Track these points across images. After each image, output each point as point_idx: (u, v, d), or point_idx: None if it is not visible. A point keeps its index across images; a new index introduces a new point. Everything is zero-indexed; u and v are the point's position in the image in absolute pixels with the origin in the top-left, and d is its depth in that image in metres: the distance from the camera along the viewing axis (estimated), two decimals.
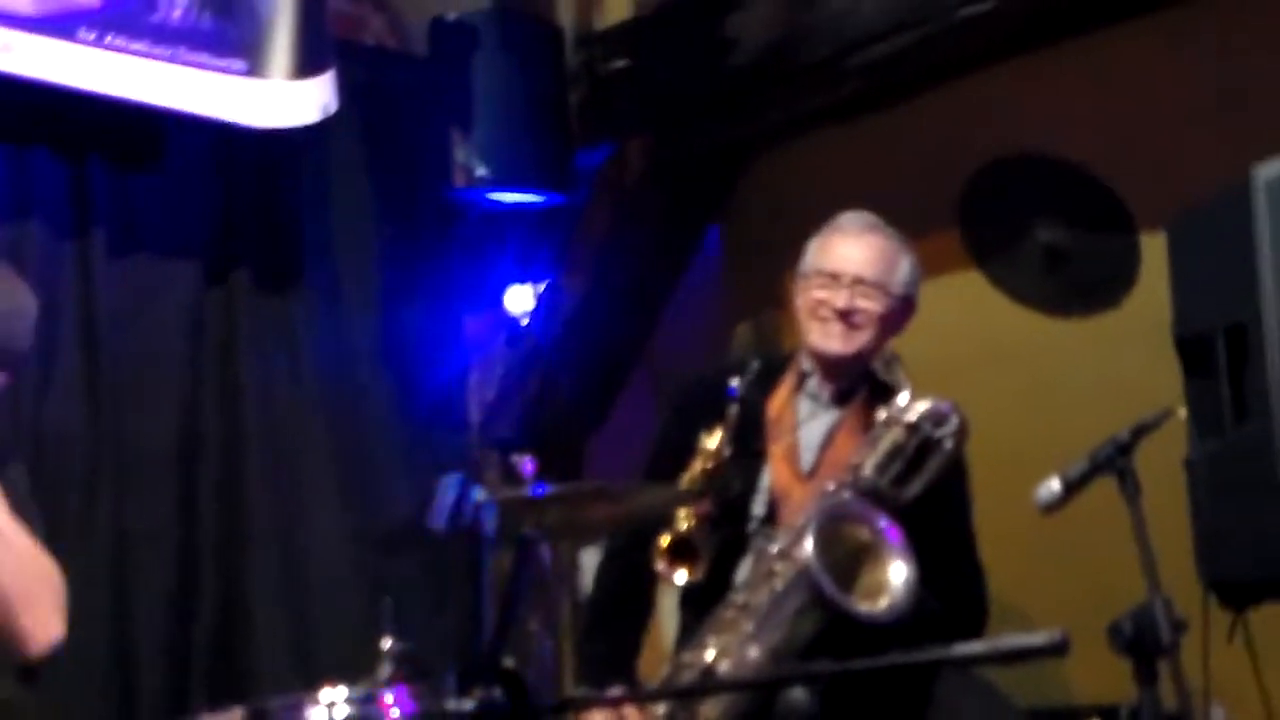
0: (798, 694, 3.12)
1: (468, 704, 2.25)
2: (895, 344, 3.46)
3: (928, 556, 3.18)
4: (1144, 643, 2.90)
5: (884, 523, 3.16)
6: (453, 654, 4.07)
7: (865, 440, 3.26)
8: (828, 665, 3.14)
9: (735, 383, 3.27)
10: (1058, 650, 2.08)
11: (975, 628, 3.31)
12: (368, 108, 4.61)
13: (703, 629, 3.22)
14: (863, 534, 3.16)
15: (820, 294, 3.36)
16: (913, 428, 3.22)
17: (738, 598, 3.21)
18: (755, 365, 3.32)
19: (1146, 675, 2.91)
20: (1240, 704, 3.49)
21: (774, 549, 3.20)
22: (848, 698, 3.14)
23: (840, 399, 3.39)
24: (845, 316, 3.34)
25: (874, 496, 3.20)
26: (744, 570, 3.30)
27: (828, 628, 3.12)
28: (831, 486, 3.22)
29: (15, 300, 3.04)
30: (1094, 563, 3.22)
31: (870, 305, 3.35)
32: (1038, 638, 2.09)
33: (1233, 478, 3.26)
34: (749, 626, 3.16)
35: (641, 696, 3.30)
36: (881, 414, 3.25)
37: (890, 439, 3.23)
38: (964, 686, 3.22)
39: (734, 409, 3.25)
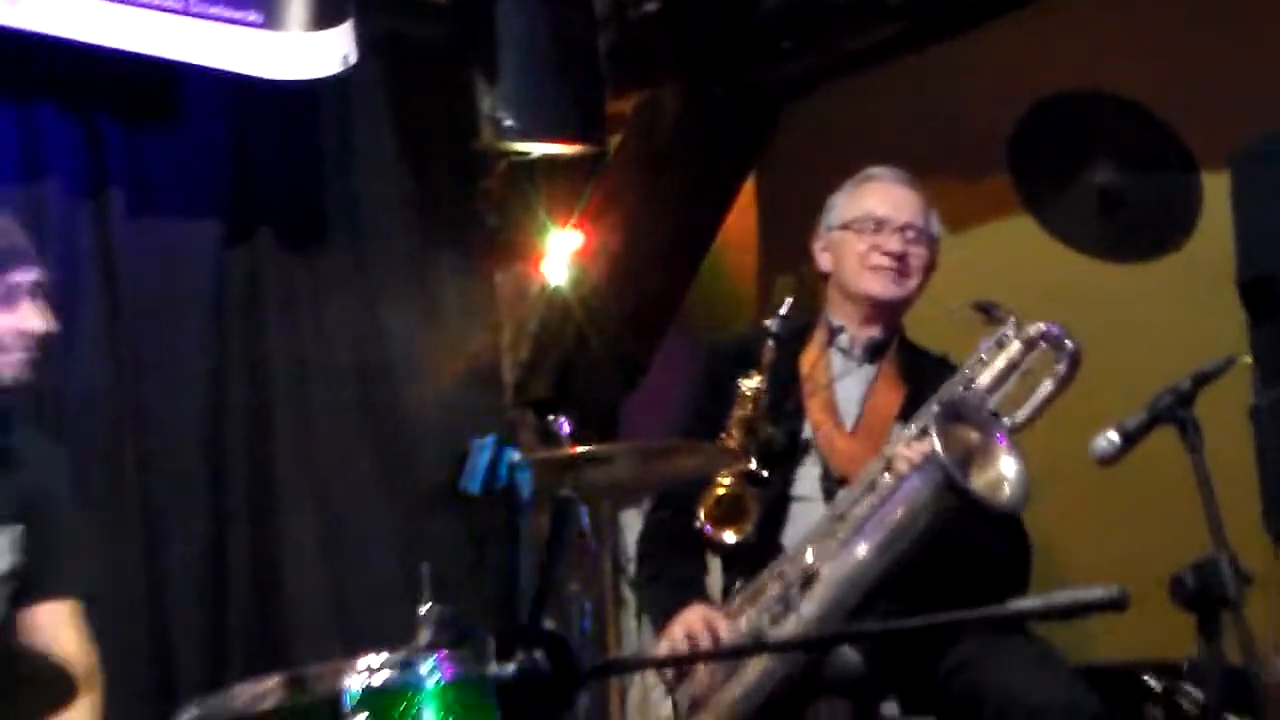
0: (848, 654, 3.17)
1: (509, 668, 2.27)
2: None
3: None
4: (1207, 596, 2.93)
5: (994, 423, 3.23)
6: (491, 617, 4.11)
7: (973, 357, 3.32)
8: (877, 625, 3.20)
9: (772, 323, 3.33)
10: (1117, 605, 2.08)
11: (1023, 575, 3.41)
12: (389, 58, 4.62)
13: (800, 544, 3.30)
14: (973, 436, 3.23)
15: (871, 239, 3.45)
16: (1030, 344, 3.29)
17: (834, 512, 3.29)
18: (782, 327, 3.37)
19: (1210, 629, 2.94)
20: None
21: (876, 464, 3.29)
22: (898, 656, 3.19)
23: (873, 354, 3.47)
24: (901, 260, 3.46)
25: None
26: (795, 529, 3.36)
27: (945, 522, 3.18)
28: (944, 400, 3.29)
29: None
30: (1155, 515, 3.25)
31: (920, 250, 3.51)
32: (1096, 592, 2.09)
33: None
34: (849, 532, 3.23)
35: (683, 659, 3.35)
36: (991, 339, 3.32)
37: (1006, 355, 3.31)
38: (1019, 643, 3.25)
39: (770, 347, 3.31)
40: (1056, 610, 2.21)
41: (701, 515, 3.31)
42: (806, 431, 3.45)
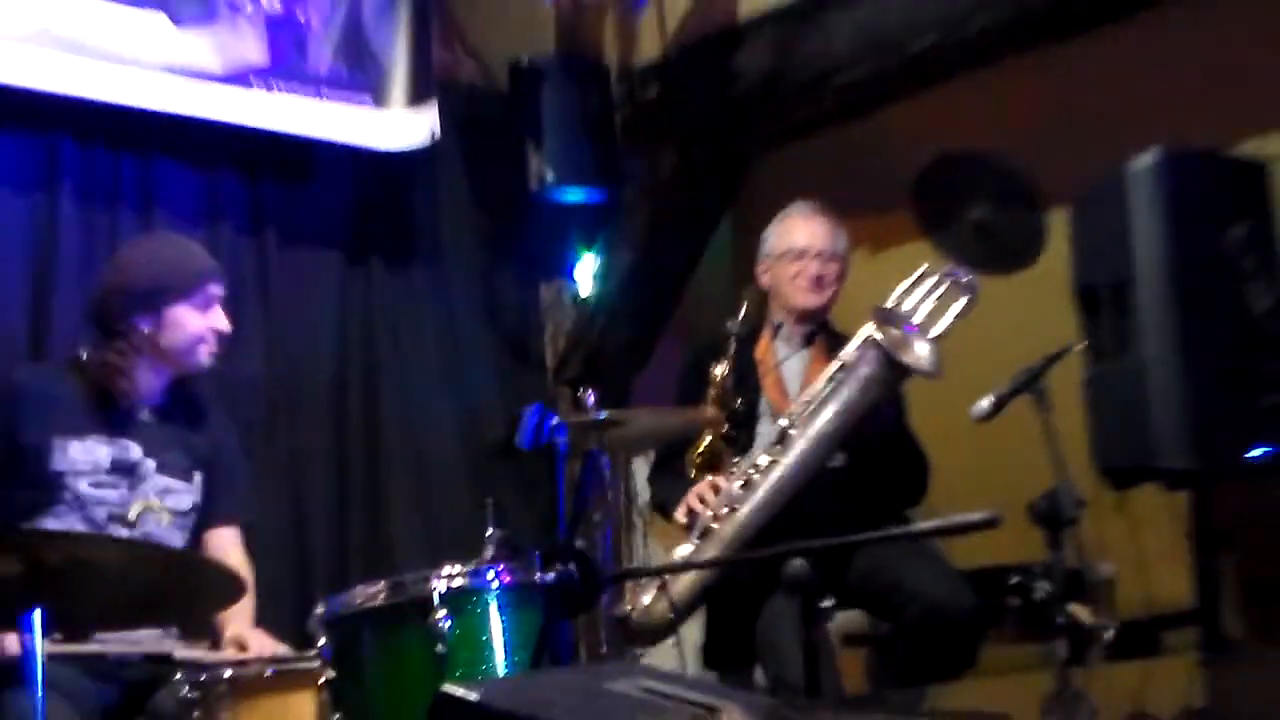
0: (798, 564, 3.17)
1: (549, 576, 2.28)
2: (865, 301, 3.50)
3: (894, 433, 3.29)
4: (1054, 516, 2.95)
5: (908, 322, 3.22)
6: (537, 540, 4.10)
7: (893, 293, 3.30)
8: (817, 542, 3.19)
9: (732, 325, 3.33)
10: (990, 524, 2.07)
11: (923, 481, 3.42)
12: (464, 131, 4.60)
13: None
14: (895, 333, 3.20)
15: (795, 267, 3.45)
16: (945, 275, 3.27)
17: (805, 396, 3.27)
18: (741, 328, 3.36)
19: (1055, 541, 2.96)
20: (1123, 561, 3.51)
21: (831, 369, 3.26)
22: (830, 564, 3.19)
23: (806, 342, 3.48)
24: (818, 280, 3.44)
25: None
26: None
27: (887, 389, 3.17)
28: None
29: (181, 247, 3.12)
30: (1016, 459, 3.24)
31: (831, 268, 3.49)
32: (976, 515, 2.09)
33: (1116, 393, 3.28)
34: (816, 405, 3.22)
35: (678, 567, 3.34)
36: (908, 280, 3.30)
37: (924, 286, 3.27)
38: (918, 550, 3.25)
39: (732, 344, 3.32)
40: (948, 529, 2.21)
41: (689, 465, 3.32)
42: (763, 404, 3.45)
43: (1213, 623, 3.20)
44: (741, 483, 3.21)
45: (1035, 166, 4.12)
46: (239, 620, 3.04)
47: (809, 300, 3.46)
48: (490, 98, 4.73)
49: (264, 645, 3.00)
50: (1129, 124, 3.81)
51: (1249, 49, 3.75)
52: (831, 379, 3.24)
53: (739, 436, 3.35)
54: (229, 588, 2.64)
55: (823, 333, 3.52)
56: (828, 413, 3.21)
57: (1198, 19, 3.80)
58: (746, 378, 3.40)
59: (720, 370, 3.30)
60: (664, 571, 3.25)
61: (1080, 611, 3.00)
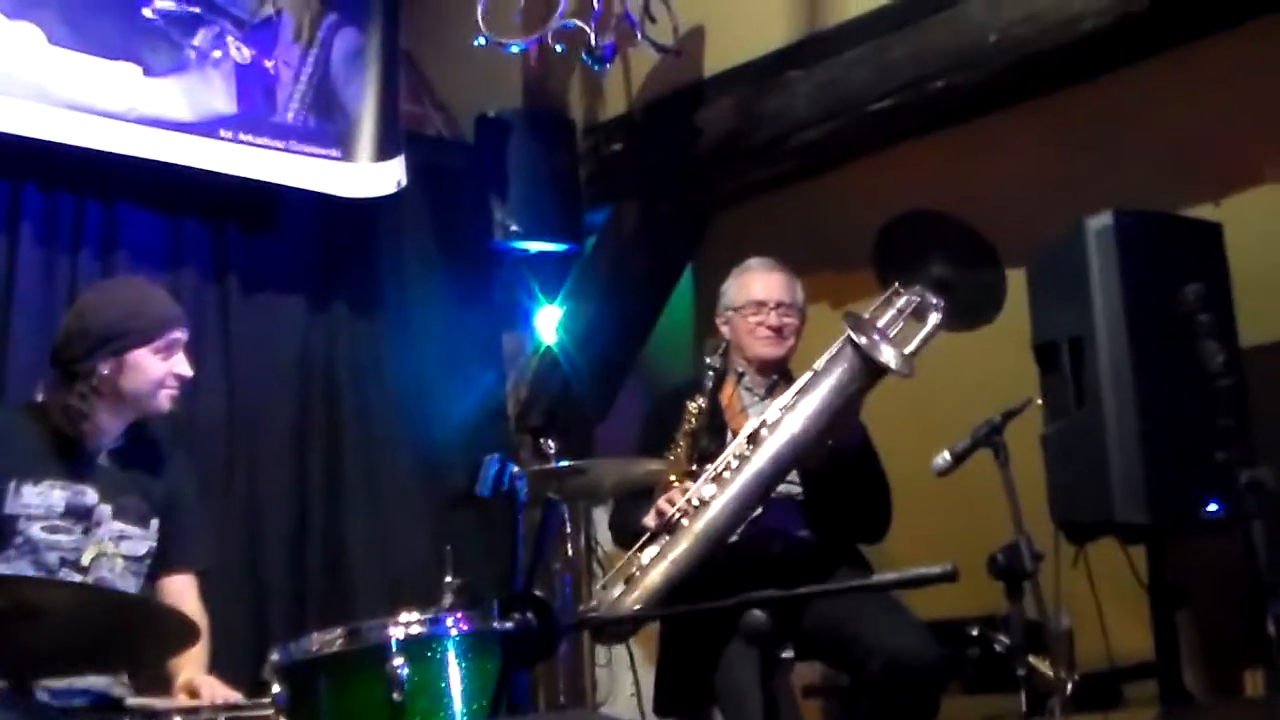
0: (757, 615, 3.11)
1: (508, 624, 2.23)
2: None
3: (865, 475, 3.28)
4: (1013, 570, 2.91)
5: (875, 330, 3.20)
6: (496, 587, 4.05)
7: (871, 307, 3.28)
8: (777, 593, 3.14)
9: (713, 360, 3.30)
10: (950, 578, 2.07)
11: (886, 511, 3.39)
12: (430, 181, 4.59)
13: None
14: (864, 340, 3.19)
15: (755, 319, 3.43)
16: (915, 296, 3.26)
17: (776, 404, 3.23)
18: (711, 373, 3.33)
19: (1014, 593, 2.92)
20: (1081, 614, 3.49)
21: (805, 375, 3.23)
22: (791, 614, 3.14)
23: (769, 391, 3.45)
24: (778, 331, 3.43)
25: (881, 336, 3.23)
26: None
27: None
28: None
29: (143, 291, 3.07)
30: (975, 512, 3.21)
31: (790, 319, 3.48)
32: (935, 569, 2.07)
33: (1074, 447, 3.28)
34: (789, 407, 3.17)
35: (639, 617, 3.27)
36: (878, 300, 3.28)
37: (895, 305, 3.26)
38: (880, 600, 3.21)
39: (709, 378, 3.29)
40: (907, 581, 2.18)
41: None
42: (730, 442, 3.41)
43: (1172, 675, 3.18)
44: (712, 477, 3.17)
45: (994, 224, 4.13)
46: (192, 667, 2.97)
47: (770, 350, 3.45)
48: (456, 149, 4.73)
49: (216, 692, 2.92)
50: (1085, 184, 3.83)
51: (1203, 113, 3.79)
52: (805, 385, 3.20)
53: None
54: (181, 634, 2.57)
55: (784, 382, 3.49)
56: (801, 413, 3.17)
57: (1152, 82, 3.83)
58: (714, 420, 3.36)
59: (696, 406, 3.25)
60: (623, 621, 3.18)
61: (1040, 664, 2.97)
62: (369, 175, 4.27)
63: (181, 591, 3.11)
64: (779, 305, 3.45)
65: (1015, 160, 4.11)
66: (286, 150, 4.10)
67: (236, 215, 4.17)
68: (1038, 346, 3.39)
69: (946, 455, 3.17)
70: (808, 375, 3.23)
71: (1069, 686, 2.98)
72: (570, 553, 4.24)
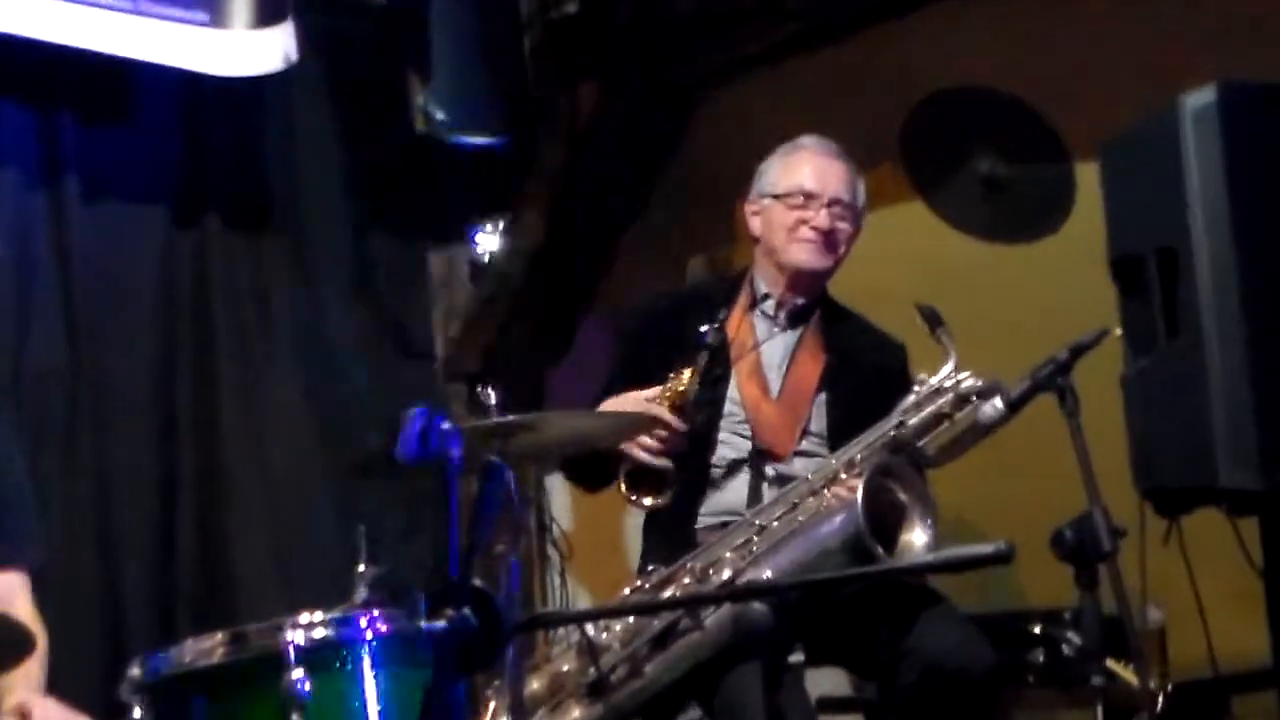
0: (758, 609, 3.12)
1: (439, 624, 2.22)
2: (844, 275, 3.47)
3: None
4: (1085, 549, 2.93)
5: (921, 493, 3.17)
6: (424, 576, 4.07)
7: (911, 397, 3.25)
8: (787, 580, 3.15)
9: (705, 330, 3.27)
10: (1003, 559, 2.06)
11: None
12: (328, 56, 4.53)
13: (717, 543, 3.23)
14: (900, 496, 3.17)
15: (801, 214, 3.39)
16: (963, 400, 3.22)
17: (757, 520, 3.22)
18: (715, 337, 3.30)
19: (1087, 580, 2.94)
20: (1175, 605, 3.51)
21: (805, 485, 3.21)
22: (806, 612, 3.15)
23: (795, 320, 3.40)
24: (827, 235, 3.39)
25: (907, 454, 3.22)
26: (730, 492, 3.32)
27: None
28: (875, 435, 3.22)
29: None
30: (1037, 476, 3.23)
31: (846, 225, 3.43)
32: (985, 548, 2.06)
33: (1165, 392, 3.27)
34: (764, 548, 3.16)
35: (605, 613, 3.29)
36: (931, 378, 3.24)
37: (938, 405, 3.22)
38: (913, 597, 3.22)
39: (704, 356, 3.26)
40: (950, 564, 2.19)
41: (621, 484, 3.26)
42: (732, 395, 3.39)
43: None
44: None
45: (1055, 107, 4.14)
46: (24, 687, 2.94)
47: (814, 259, 3.40)
48: (363, 12, 4.64)
49: (50, 716, 2.89)
50: (1178, 54, 3.82)
51: None
52: (793, 505, 3.19)
53: (689, 457, 3.29)
54: (10, 645, 2.57)
55: (821, 308, 3.44)
56: (768, 575, 3.14)
57: None
58: (716, 357, 3.33)
59: (686, 378, 3.23)
60: (590, 618, 3.19)
61: (1122, 670, 3.00)
62: (247, 47, 4.21)
63: (7, 593, 3.06)
64: (834, 203, 3.40)
65: (1086, 22, 4.09)
66: (136, 12, 4.03)
67: (73, 99, 4.11)
68: (1116, 261, 3.38)
69: (998, 403, 3.18)
70: (805, 492, 3.19)
71: (1160, 699, 3.00)
72: (518, 532, 4.25)
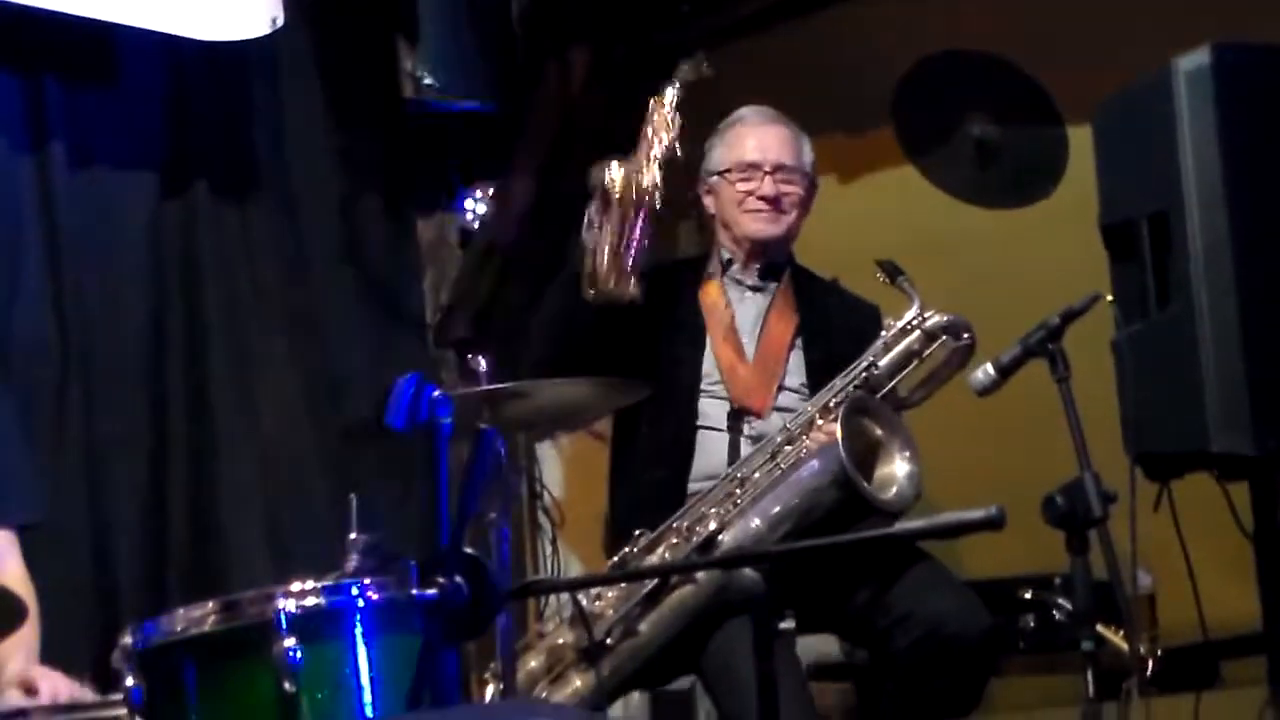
0: (749, 575, 3.13)
1: (430, 592, 2.23)
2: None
3: None
4: (1075, 515, 2.95)
5: (897, 425, 3.24)
6: (416, 544, 4.08)
7: (878, 341, 3.30)
8: (776, 547, 3.17)
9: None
10: (994, 524, 2.08)
11: None
12: (315, 20, 4.51)
13: (699, 502, 3.25)
14: (876, 432, 3.21)
15: (746, 185, 3.44)
16: (931, 336, 3.27)
17: (738, 474, 3.25)
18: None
19: (1078, 545, 2.97)
20: (1165, 570, 3.53)
21: (783, 435, 3.26)
22: (795, 576, 3.16)
23: (765, 277, 3.46)
24: (774, 202, 3.46)
25: (883, 394, 3.26)
26: (713, 455, 3.33)
27: (835, 510, 3.16)
28: (847, 380, 3.28)
29: None
30: (1028, 441, 3.24)
31: (793, 189, 3.50)
32: (975, 513, 2.09)
33: (1156, 358, 3.27)
34: (748, 499, 3.18)
35: (597, 580, 3.31)
36: (896, 321, 3.30)
37: (907, 343, 3.27)
38: (906, 562, 3.24)
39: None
40: (941, 529, 2.20)
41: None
42: (708, 358, 3.42)
43: None
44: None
45: (1047, 70, 4.12)
46: (21, 655, 2.98)
47: (762, 228, 3.48)
48: None
49: (58, 687, 2.92)
50: (1168, 15, 3.81)
51: None
52: (773, 455, 3.24)
53: (670, 415, 3.30)
54: (3, 612, 2.58)
55: (788, 269, 3.49)
56: (755, 523, 3.20)
57: None
58: (691, 323, 3.36)
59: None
60: (582, 585, 3.21)
61: (1112, 635, 3.01)
62: (235, 10, 4.20)
63: None
64: (778, 169, 3.47)
65: None
66: None
67: (58, 64, 4.09)
68: (1107, 226, 3.37)
69: (989, 369, 3.20)
70: (782, 441, 3.24)
71: (1150, 664, 3.01)
72: (510, 499, 4.27)
